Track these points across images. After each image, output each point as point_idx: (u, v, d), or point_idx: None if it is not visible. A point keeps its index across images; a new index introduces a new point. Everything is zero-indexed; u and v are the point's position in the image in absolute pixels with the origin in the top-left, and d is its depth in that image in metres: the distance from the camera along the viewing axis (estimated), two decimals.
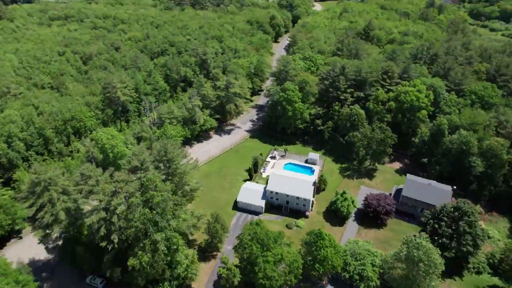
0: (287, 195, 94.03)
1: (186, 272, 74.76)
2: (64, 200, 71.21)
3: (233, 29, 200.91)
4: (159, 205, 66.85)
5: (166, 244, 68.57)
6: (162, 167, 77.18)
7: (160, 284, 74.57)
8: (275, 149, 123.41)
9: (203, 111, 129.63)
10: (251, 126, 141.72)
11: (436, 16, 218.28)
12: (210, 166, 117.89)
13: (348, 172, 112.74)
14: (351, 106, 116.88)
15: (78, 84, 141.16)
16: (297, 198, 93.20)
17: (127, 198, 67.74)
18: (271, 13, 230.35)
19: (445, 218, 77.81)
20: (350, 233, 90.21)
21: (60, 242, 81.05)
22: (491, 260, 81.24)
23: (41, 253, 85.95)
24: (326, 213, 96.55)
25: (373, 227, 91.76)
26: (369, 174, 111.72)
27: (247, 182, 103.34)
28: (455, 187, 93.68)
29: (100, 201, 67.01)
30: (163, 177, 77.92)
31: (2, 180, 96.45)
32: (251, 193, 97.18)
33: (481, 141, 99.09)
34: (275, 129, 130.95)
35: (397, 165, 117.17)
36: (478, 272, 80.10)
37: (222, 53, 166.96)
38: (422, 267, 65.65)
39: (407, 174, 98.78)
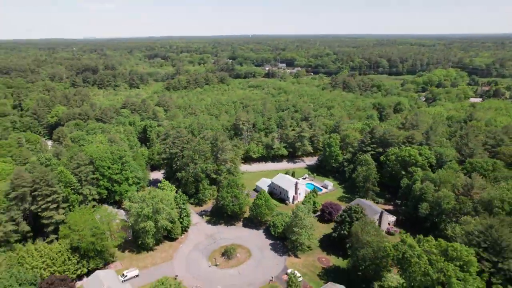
0: (279, 186, 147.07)
1: (203, 196, 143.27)
2: (170, 143, 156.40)
3: (351, 105, 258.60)
4: (197, 151, 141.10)
5: (195, 172, 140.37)
6: (213, 142, 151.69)
7: (190, 199, 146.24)
8: (308, 174, 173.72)
9: (280, 143, 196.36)
10: (313, 163, 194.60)
11: None
12: (266, 173, 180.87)
13: (344, 199, 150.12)
14: (365, 155, 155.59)
15: (227, 116, 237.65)
16: (283, 189, 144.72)
17: (189, 146, 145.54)
18: (399, 101, 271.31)
19: (341, 212, 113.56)
20: None
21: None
22: None
23: (160, 176, 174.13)
24: None
25: (322, 222, 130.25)
26: None
27: (264, 178, 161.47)
28: (383, 210, 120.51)
29: (178, 145, 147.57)
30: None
31: None
32: (263, 182, 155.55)
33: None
34: (320, 165, 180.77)
35: (388, 207, 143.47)
36: None
37: (322, 116, 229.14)
38: (293, 217, 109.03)
39: (358, 198, 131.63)
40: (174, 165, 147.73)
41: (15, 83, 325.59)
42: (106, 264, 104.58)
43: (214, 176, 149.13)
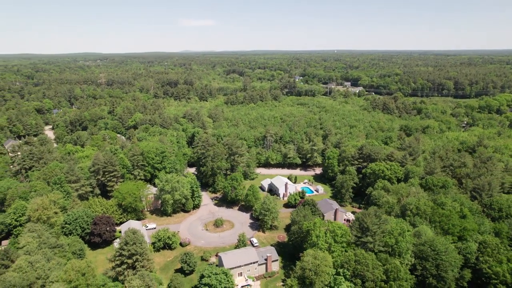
0: (275, 185, 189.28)
1: (217, 186, 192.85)
2: (201, 146, 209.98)
3: (377, 124, 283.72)
4: (216, 153, 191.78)
5: (212, 168, 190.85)
6: (229, 146, 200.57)
7: (209, 188, 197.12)
8: (308, 180, 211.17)
9: (296, 153, 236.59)
10: (320, 172, 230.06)
11: None
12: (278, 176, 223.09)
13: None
14: (351, 167, 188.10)
15: (262, 129, 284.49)
16: (277, 187, 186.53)
17: (211, 148, 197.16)
18: (427, 124, 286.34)
19: (300, 204, 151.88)
20: (287, 209, 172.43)
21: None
22: None
23: (194, 170, 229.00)
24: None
25: None
26: None
27: (267, 178, 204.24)
28: (338, 206, 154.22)
29: (205, 147, 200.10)
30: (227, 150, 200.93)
31: None
32: (266, 182, 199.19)
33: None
34: (323, 174, 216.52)
35: (360, 210, 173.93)
36: None
37: (341, 133, 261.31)
38: (262, 203, 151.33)
39: (326, 198, 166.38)
40: (201, 162, 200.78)
41: (114, 93, 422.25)
42: (138, 219, 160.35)
43: (229, 173, 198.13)
